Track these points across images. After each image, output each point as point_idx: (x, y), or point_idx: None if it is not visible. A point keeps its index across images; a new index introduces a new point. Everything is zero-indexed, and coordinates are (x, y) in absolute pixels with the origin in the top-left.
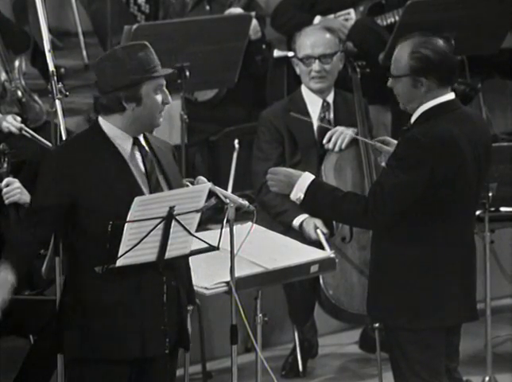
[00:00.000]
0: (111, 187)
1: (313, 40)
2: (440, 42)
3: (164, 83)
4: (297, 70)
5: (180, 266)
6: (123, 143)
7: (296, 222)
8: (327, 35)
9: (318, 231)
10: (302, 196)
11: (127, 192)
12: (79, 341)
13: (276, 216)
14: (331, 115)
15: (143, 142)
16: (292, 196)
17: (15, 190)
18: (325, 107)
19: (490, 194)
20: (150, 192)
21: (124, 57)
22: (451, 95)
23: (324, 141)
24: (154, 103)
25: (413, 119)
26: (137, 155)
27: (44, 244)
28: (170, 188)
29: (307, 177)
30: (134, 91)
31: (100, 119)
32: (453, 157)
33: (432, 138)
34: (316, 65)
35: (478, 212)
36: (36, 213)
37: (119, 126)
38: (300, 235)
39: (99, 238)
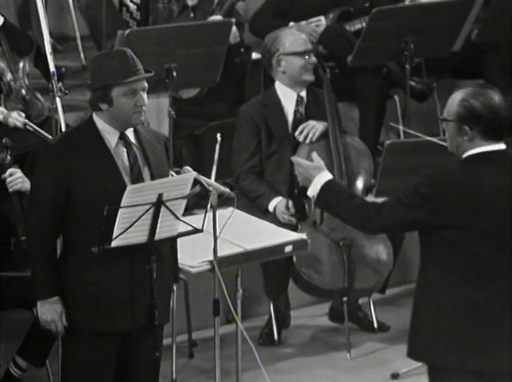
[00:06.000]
0: (98, 177)
1: (304, 37)
2: (495, 97)
3: (140, 87)
4: (282, 66)
5: (166, 248)
6: (110, 137)
7: (271, 206)
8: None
9: (289, 205)
10: (316, 195)
11: (111, 182)
12: (73, 314)
13: (253, 200)
14: (303, 109)
15: (131, 136)
16: (309, 193)
17: (18, 179)
18: (299, 101)
19: None
20: (131, 182)
21: (101, 62)
22: (498, 146)
23: (296, 133)
24: (124, 106)
25: None
26: (122, 149)
27: (57, 229)
28: (153, 177)
29: (322, 177)
30: (106, 93)
31: (93, 114)
32: (463, 205)
33: (443, 184)
34: (313, 58)
35: None
36: (39, 204)
37: (106, 121)
38: (276, 218)
39: (87, 222)
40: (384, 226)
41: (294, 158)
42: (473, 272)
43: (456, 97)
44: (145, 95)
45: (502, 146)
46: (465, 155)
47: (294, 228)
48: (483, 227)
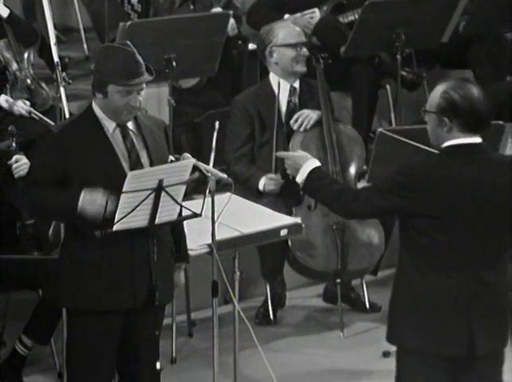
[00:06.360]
0: (97, 162)
1: (297, 30)
2: (474, 91)
3: (136, 88)
4: (274, 57)
5: (166, 231)
6: (108, 124)
7: (261, 184)
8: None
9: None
10: (303, 182)
11: (111, 168)
12: (76, 294)
13: (244, 182)
14: (297, 99)
15: (130, 123)
16: (297, 180)
17: (23, 165)
18: (292, 91)
19: None
20: (130, 168)
21: (107, 55)
22: (474, 139)
23: (291, 121)
24: (116, 102)
25: None
26: (119, 135)
27: None
28: (151, 162)
29: (310, 165)
30: (102, 86)
31: (93, 102)
32: (436, 195)
33: (418, 173)
34: (304, 50)
35: None
36: (35, 183)
37: (102, 109)
38: (270, 202)
39: None
40: (361, 212)
41: (279, 153)
42: (443, 261)
43: (438, 90)
44: (140, 95)
45: (477, 140)
46: (443, 146)
47: (289, 213)
48: (453, 217)
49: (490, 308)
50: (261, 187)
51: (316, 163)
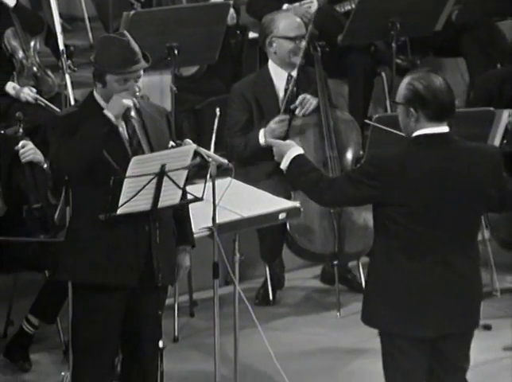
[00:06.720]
0: (104, 147)
1: (298, 22)
2: (437, 81)
3: (133, 76)
4: (274, 47)
5: (168, 214)
6: (109, 112)
7: (260, 136)
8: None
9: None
10: (286, 168)
11: (116, 152)
12: (79, 267)
13: (244, 148)
14: (294, 88)
15: (131, 109)
16: (281, 167)
17: (30, 151)
18: (289, 80)
19: None
20: (132, 153)
21: (104, 45)
22: (442, 129)
23: (297, 102)
24: (115, 90)
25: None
26: (121, 121)
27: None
28: (151, 148)
29: (293, 152)
30: (101, 75)
31: (94, 91)
32: (404, 184)
33: (387, 164)
34: (303, 43)
35: None
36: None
37: (102, 98)
38: (270, 187)
39: (94, 189)
40: (334, 200)
41: (269, 139)
42: (414, 247)
43: (404, 81)
44: (138, 83)
45: (445, 129)
46: (412, 136)
47: (288, 197)
48: (422, 205)
49: (459, 292)
50: (261, 140)
51: (300, 151)
